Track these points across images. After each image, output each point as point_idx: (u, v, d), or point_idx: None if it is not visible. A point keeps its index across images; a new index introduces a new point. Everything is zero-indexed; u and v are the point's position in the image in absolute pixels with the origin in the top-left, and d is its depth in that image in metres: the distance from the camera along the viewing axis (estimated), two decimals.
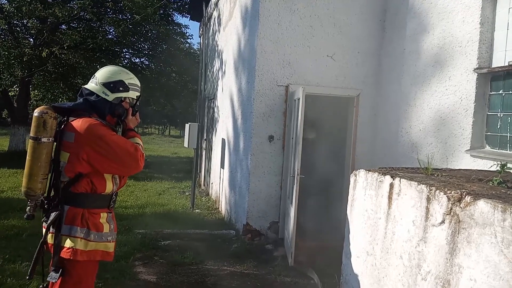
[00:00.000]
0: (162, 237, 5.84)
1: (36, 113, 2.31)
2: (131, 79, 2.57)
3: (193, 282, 4.40)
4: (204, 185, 10.67)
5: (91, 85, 2.50)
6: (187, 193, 9.55)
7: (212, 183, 9.31)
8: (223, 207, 7.59)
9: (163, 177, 12.30)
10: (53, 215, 2.30)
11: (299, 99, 5.13)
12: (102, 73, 2.52)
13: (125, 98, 2.54)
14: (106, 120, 2.47)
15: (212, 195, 9.15)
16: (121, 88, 2.50)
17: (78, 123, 2.32)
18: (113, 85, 2.47)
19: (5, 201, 7.56)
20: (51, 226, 2.31)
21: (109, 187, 2.43)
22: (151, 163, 15.83)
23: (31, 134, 2.32)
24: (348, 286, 2.90)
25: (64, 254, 2.27)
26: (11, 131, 16.14)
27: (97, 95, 2.45)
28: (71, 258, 2.26)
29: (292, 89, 5.62)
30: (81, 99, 2.47)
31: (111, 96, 2.47)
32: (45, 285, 2.35)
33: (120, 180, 2.53)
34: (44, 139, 2.29)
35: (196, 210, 7.86)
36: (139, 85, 2.65)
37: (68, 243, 2.27)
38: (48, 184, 2.38)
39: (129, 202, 8.41)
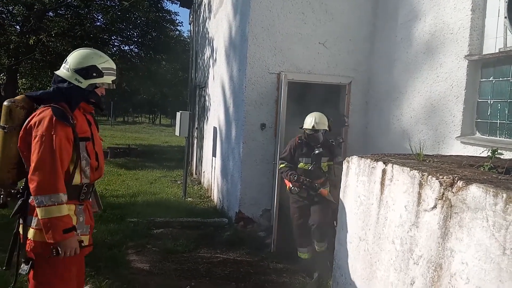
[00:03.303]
0: (155, 225, 5.85)
1: (5, 102, 2.27)
2: (105, 62, 2.42)
3: (186, 270, 4.42)
4: (196, 174, 10.65)
5: (63, 71, 2.38)
6: (179, 182, 9.53)
7: (204, 171, 9.30)
8: (215, 195, 7.60)
9: (154, 166, 12.27)
10: (17, 205, 2.28)
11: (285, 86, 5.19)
12: (74, 58, 2.39)
13: (100, 84, 2.41)
14: (79, 108, 2.38)
15: (204, 184, 9.15)
16: (94, 74, 2.36)
17: (37, 113, 2.25)
18: (85, 71, 2.34)
19: None
20: (19, 217, 2.28)
21: (76, 178, 2.32)
22: (142, 152, 15.76)
23: None
24: (341, 271, 2.93)
25: (27, 245, 2.23)
26: None
27: (70, 82, 2.34)
28: (31, 250, 2.21)
29: (283, 76, 5.60)
30: (52, 87, 2.37)
31: (84, 83, 2.35)
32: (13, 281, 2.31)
33: (93, 171, 2.43)
34: (10, 128, 2.25)
35: (188, 199, 7.86)
36: (115, 68, 2.50)
37: (30, 234, 2.22)
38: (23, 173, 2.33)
39: (120, 191, 8.38)
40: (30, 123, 2.23)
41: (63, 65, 2.41)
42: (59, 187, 2.16)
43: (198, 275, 4.30)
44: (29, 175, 2.17)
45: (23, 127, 2.25)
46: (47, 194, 2.13)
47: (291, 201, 4.69)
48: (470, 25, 4.02)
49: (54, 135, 2.18)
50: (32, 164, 2.16)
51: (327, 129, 4.59)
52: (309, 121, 4.50)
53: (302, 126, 4.56)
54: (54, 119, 2.20)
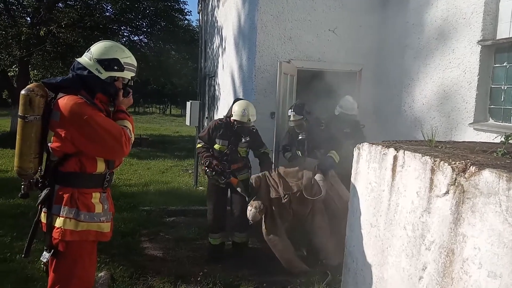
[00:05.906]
0: (167, 213, 5.93)
1: (23, 91, 2.25)
2: (128, 58, 2.45)
3: (198, 257, 4.48)
4: None
5: (85, 59, 2.39)
6: (190, 171, 9.61)
7: None
8: None
9: (165, 156, 12.37)
10: (43, 194, 2.29)
11: (292, 75, 5.15)
12: (98, 48, 2.40)
13: (118, 77, 2.43)
14: (95, 98, 2.36)
15: None
16: (115, 67, 2.38)
17: (63, 101, 2.23)
18: (107, 63, 2.36)
19: (10, 181, 7.63)
20: (42, 205, 2.31)
21: (101, 167, 2.35)
22: (153, 142, 15.88)
23: (19, 113, 2.26)
24: (352, 257, 2.95)
25: (55, 234, 2.25)
26: (12, 112, 16.11)
27: (90, 71, 2.34)
28: (60, 238, 2.24)
29: (293, 64, 5.57)
30: (71, 74, 2.37)
31: (104, 74, 2.36)
32: (44, 262, 2.32)
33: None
34: (31, 118, 2.23)
35: (200, 188, 7.92)
36: (136, 65, 2.53)
37: (58, 222, 2.24)
38: (43, 162, 2.36)
39: (132, 180, 8.49)
40: (65, 114, 2.21)
41: (85, 53, 2.42)
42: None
43: (211, 262, 4.35)
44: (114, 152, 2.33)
45: (54, 121, 2.25)
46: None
47: (209, 183, 4.65)
48: (483, 10, 3.94)
49: (95, 112, 2.26)
50: (100, 147, 2.27)
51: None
52: (242, 113, 4.30)
53: (230, 115, 4.38)
54: (86, 102, 2.25)
